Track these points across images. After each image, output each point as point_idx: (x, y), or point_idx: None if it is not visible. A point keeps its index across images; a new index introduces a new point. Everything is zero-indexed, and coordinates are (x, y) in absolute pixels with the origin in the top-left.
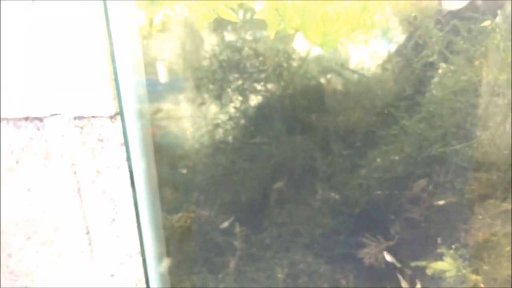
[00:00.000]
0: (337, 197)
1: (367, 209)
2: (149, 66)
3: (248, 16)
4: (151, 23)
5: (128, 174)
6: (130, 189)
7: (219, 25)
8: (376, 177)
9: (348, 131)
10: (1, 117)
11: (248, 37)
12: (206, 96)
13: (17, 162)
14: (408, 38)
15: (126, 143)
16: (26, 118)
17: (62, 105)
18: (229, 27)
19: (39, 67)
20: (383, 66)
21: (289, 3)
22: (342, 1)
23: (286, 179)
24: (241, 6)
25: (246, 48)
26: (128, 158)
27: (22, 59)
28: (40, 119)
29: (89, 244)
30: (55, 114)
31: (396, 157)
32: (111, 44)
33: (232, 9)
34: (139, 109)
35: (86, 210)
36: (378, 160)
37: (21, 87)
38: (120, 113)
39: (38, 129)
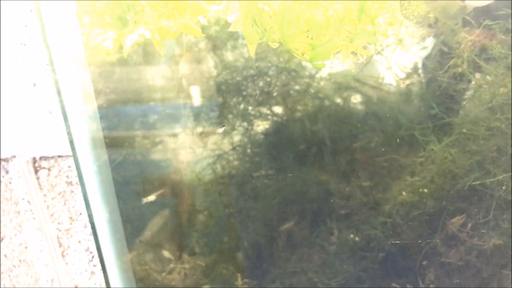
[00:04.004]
0: (357, 238)
1: (393, 253)
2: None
3: (219, 29)
4: (120, 47)
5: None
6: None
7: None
8: (403, 214)
9: (367, 159)
10: None
11: (228, 53)
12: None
13: None
14: (429, 45)
15: (82, 185)
16: None
17: (24, 145)
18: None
19: None
20: (403, 80)
21: (265, 9)
22: (331, 2)
23: (296, 218)
24: (209, 19)
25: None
26: (87, 205)
27: None
28: (6, 160)
29: None
30: (16, 156)
31: (425, 190)
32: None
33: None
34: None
35: (63, 263)
36: (404, 193)
37: None
38: (72, 152)
39: (7, 172)
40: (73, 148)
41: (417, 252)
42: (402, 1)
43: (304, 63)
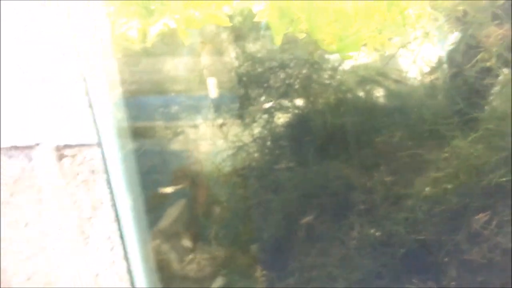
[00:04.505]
0: (378, 233)
1: (414, 249)
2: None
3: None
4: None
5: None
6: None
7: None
8: (425, 210)
9: (390, 154)
10: None
11: (249, 44)
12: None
13: (11, 195)
14: (457, 39)
15: (107, 174)
16: (16, 148)
17: (48, 133)
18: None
19: (21, 96)
20: (429, 74)
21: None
22: None
23: (317, 212)
24: (234, 8)
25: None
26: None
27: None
28: (30, 148)
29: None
30: (40, 143)
31: (449, 186)
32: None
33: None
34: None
35: (86, 251)
36: (427, 189)
37: (6, 116)
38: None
39: (30, 160)
40: (98, 137)
41: (439, 249)
42: None
43: (327, 55)
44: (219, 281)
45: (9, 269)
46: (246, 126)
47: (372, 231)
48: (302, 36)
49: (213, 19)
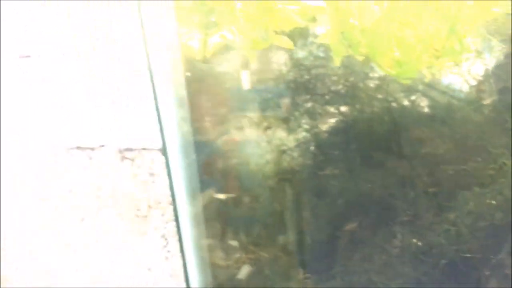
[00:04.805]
0: (419, 243)
1: (455, 260)
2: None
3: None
4: (205, 47)
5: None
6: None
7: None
8: (468, 223)
9: (435, 166)
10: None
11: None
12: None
13: (70, 191)
14: (507, 56)
15: (169, 178)
16: (78, 147)
17: (112, 136)
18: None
19: (87, 97)
20: (478, 88)
21: (357, 25)
22: (421, 22)
23: (360, 219)
24: (297, 30)
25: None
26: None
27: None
28: (91, 149)
29: (141, 282)
30: (104, 145)
31: (493, 202)
32: (151, 77)
33: (287, 33)
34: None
35: (139, 248)
36: (471, 203)
37: (73, 117)
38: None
39: (91, 159)
40: (162, 140)
41: (481, 262)
42: (489, 19)
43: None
44: (244, 270)
45: (60, 260)
46: (291, 130)
47: (414, 240)
48: (361, 58)
49: (278, 41)
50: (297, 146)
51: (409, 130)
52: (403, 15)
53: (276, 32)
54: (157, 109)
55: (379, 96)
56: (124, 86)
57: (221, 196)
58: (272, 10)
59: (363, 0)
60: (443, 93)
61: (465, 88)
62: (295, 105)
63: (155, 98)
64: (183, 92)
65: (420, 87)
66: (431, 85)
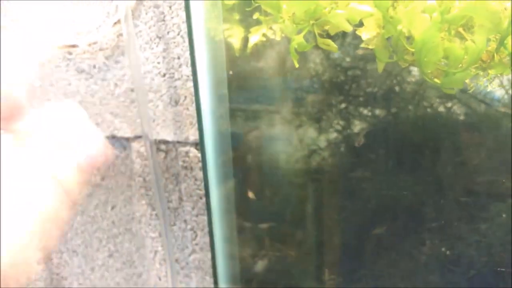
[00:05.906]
0: (448, 252)
1: (485, 272)
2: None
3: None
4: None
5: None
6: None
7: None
8: (499, 236)
9: (468, 175)
10: None
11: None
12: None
13: (102, 179)
14: None
15: (204, 172)
16: (113, 137)
17: (148, 128)
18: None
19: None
20: None
21: (405, 32)
22: (472, 36)
23: (389, 223)
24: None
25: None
26: (206, 189)
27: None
28: (126, 139)
29: (168, 272)
30: (140, 136)
31: None
32: (194, 73)
33: (331, 36)
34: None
35: (167, 237)
36: (504, 216)
37: (111, 107)
38: (200, 141)
39: (125, 149)
40: (201, 136)
41: (511, 276)
42: None
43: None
44: (270, 267)
45: (94, 244)
46: (323, 130)
47: (442, 249)
48: (404, 65)
49: (324, 44)
50: (330, 145)
51: (444, 138)
52: (454, 25)
53: (321, 35)
54: (198, 105)
55: (415, 101)
56: (160, 83)
57: (251, 193)
58: (320, 13)
59: (413, 7)
60: (483, 102)
61: (506, 99)
62: (329, 106)
63: (196, 94)
64: (225, 90)
65: (459, 95)
66: (471, 94)
